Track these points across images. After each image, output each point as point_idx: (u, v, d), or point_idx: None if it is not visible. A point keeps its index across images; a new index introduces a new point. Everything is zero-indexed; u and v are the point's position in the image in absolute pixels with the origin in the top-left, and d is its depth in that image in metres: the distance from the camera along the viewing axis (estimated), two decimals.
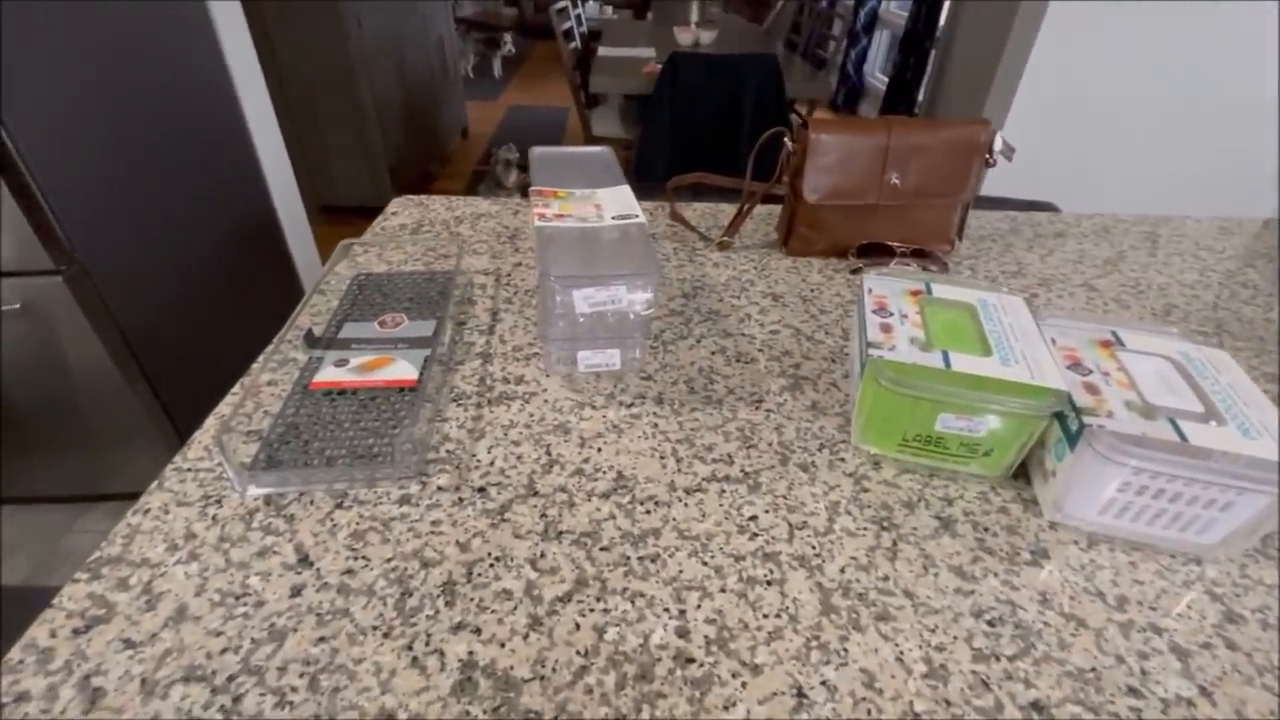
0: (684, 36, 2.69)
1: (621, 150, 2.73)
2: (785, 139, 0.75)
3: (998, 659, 0.38)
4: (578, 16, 3.30)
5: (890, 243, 0.78)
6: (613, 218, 0.58)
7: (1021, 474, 0.50)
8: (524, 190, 0.64)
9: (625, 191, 0.63)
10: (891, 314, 0.51)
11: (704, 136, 2.22)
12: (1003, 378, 0.45)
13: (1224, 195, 1.82)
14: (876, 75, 4.43)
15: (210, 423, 0.52)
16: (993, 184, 1.79)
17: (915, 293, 0.54)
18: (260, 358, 0.57)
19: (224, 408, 0.54)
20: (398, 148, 2.65)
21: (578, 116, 2.72)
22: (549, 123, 4.08)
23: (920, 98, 3.33)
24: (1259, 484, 0.39)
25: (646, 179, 2.28)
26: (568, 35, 2.79)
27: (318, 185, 2.53)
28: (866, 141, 0.73)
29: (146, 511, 0.44)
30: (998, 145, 0.73)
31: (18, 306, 1.08)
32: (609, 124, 2.67)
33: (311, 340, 0.59)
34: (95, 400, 1.24)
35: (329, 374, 0.55)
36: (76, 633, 0.37)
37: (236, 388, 0.56)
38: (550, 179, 0.65)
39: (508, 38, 5.11)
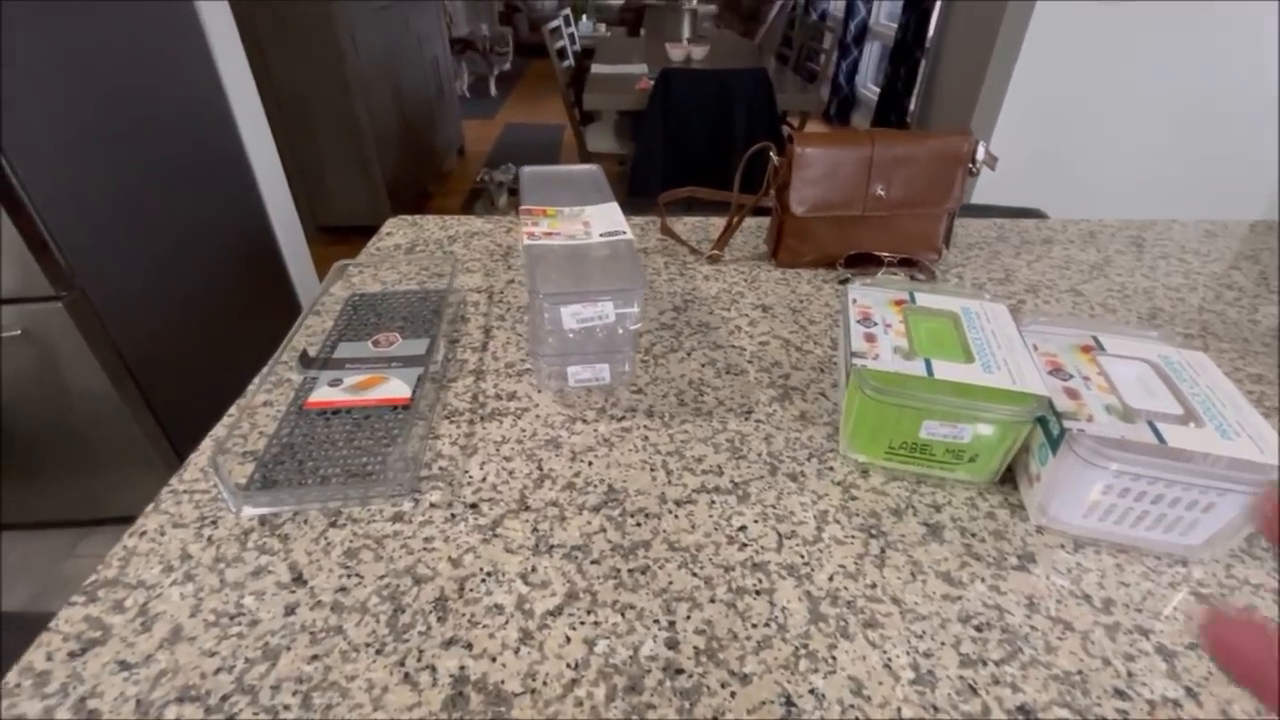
0: (676, 53, 2.73)
1: (616, 166, 2.77)
2: (770, 153, 0.76)
3: (985, 664, 0.38)
4: (571, 35, 3.35)
5: (878, 253, 0.79)
6: (600, 235, 0.59)
7: (1009, 479, 0.50)
8: (517, 210, 0.66)
9: (613, 209, 0.64)
10: (875, 324, 0.52)
11: (697, 151, 2.25)
12: (985, 384, 0.45)
13: (1212, 198, 1.84)
14: (869, 86, 4.47)
15: (206, 445, 0.53)
16: (983, 192, 1.81)
17: (899, 302, 0.55)
18: (255, 379, 0.58)
19: (219, 430, 0.54)
20: (395, 167, 2.68)
21: (573, 133, 2.75)
22: (545, 140, 4.13)
23: (912, 107, 3.37)
24: (1239, 484, 0.40)
25: (641, 194, 2.30)
26: (561, 54, 2.83)
27: (315, 205, 2.56)
28: (851, 154, 0.74)
29: (143, 534, 0.45)
30: (980, 155, 0.74)
31: (18, 333, 1.10)
32: (604, 140, 2.70)
33: (306, 361, 0.60)
34: (96, 424, 1.25)
35: (323, 394, 0.56)
36: (73, 655, 0.38)
37: (232, 409, 0.56)
38: (540, 198, 0.66)
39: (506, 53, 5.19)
